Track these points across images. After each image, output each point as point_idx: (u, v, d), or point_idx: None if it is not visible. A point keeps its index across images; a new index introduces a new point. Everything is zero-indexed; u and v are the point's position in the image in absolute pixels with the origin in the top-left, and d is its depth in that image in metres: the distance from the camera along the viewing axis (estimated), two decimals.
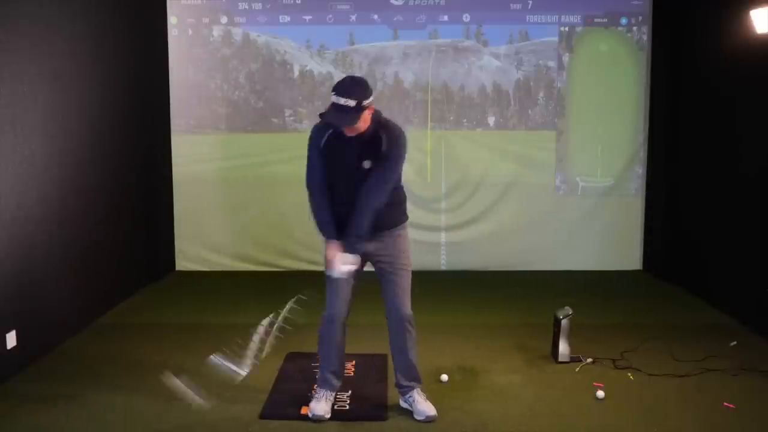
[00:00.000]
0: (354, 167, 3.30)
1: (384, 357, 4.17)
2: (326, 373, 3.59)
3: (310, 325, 5.01)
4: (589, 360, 4.26)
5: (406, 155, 3.39)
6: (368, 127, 3.27)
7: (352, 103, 3.15)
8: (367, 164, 3.29)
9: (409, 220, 3.59)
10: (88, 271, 4.95)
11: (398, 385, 3.62)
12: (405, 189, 3.55)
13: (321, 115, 3.29)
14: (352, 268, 3.35)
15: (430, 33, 6.57)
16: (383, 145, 3.27)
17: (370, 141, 3.28)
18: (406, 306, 3.50)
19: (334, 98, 3.18)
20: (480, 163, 6.68)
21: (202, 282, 6.31)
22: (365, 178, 3.30)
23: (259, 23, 6.53)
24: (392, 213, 3.46)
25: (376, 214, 3.34)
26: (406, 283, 3.50)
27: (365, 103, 3.19)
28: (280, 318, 3.67)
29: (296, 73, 6.61)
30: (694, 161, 5.92)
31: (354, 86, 3.21)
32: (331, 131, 3.32)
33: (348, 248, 3.32)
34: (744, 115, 5.10)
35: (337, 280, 3.41)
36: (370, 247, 3.43)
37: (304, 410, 3.55)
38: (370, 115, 3.26)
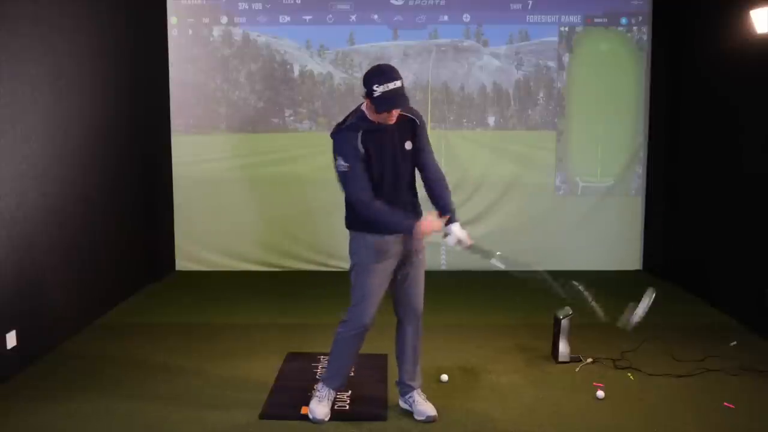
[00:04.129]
0: (399, 152, 3.31)
1: (384, 357, 4.18)
2: (342, 374, 3.57)
3: (310, 325, 5.03)
4: (589, 360, 4.26)
5: None
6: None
7: (400, 82, 3.17)
8: (408, 145, 3.33)
9: None
10: (88, 271, 4.95)
11: (400, 384, 3.62)
12: None
13: (347, 136, 3.24)
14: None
15: (430, 33, 6.57)
16: (417, 123, 3.33)
17: (402, 124, 3.29)
18: (422, 303, 3.54)
19: (383, 88, 3.10)
20: (480, 163, 6.68)
21: (202, 282, 6.31)
22: (409, 159, 3.35)
23: (259, 23, 6.53)
24: (418, 204, 3.49)
25: (413, 206, 3.42)
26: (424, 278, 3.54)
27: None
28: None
29: (296, 73, 6.61)
30: (694, 161, 5.92)
31: (393, 69, 3.21)
32: (361, 132, 3.24)
33: (455, 220, 3.34)
34: (744, 115, 5.10)
35: (373, 282, 3.35)
36: (411, 241, 3.40)
37: (304, 410, 3.55)
38: None
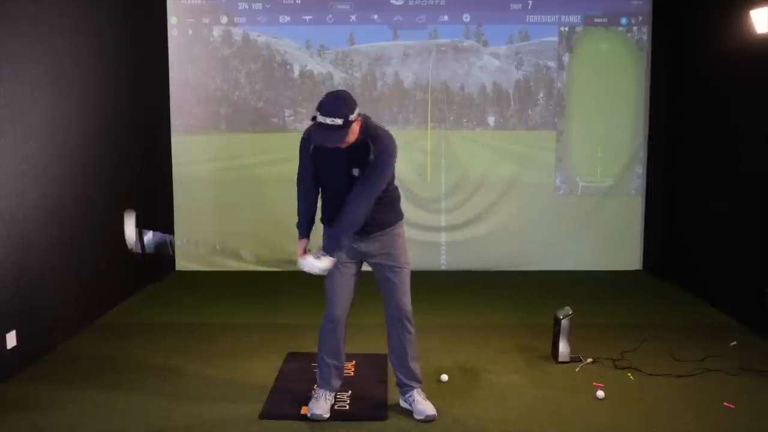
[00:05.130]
0: (344, 175, 3.30)
1: (384, 357, 4.17)
2: (326, 374, 3.60)
3: (310, 325, 5.03)
4: (589, 360, 4.26)
5: (396, 159, 3.35)
6: (357, 136, 3.26)
7: (339, 121, 3.12)
8: (356, 172, 3.28)
9: (410, 220, 3.60)
10: (88, 271, 4.95)
11: (399, 385, 3.62)
12: (405, 189, 3.55)
13: (309, 136, 3.29)
14: (325, 268, 3.29)
15: (430, 33, 6.57)
16: (371, 153, 3.26)
17: (358, 149, 3.25)
18: (406, 304, 3.52)
19: (321, 118, 3.13)
20: (480, 163, 6.69)
21: (202, 282, 6.32)
22: (355, 180, 3.30)
23: (259, 23, 6.54)
24: (388, 212, 3.47)
25: (372, 214, 3.35)
26: (405, 281, 3.52)
27: (351, 118, 3.15)
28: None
29: (296, 73, 6.61)
30: (694, 161, 5.92)
31: (339, 104, 3.16)
32: None
33: (327, 250, 3.30)
34: (743, 115, 5.10)
35: (335, 281, 3.45)
36: (369, 247, 3.45)
37: (304, 410, 3.55)
38: (359, 126, 3.24)
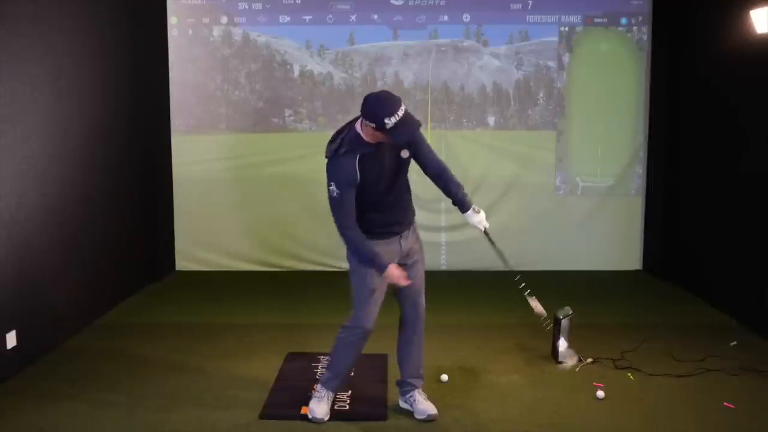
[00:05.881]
0: (395, 164, 3.32)
1: (384, 357, 4.18)
2: (336, 379, 3.58)
3: (310, 325, 5.03)
4: (589, 360, 4.26)
5: None
6: None
7: (404, 106, 3.17)
8: (405, 154, 3.34)
9: None
10: (88, 272, 4.95)
11: (400, 384, 3.62)
12: None
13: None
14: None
15: (430, 33, 6.57)
16: None
17: None
18: (424, 301, 3.57)
19: (394, 119, 3.09)
20: (480, 163, 6.68)
21: (202, 282, 6.31)
22: (405, 164, 3.37)
23: (259, 23, 6.53)
24: (412, 205, 3.55)
25: (407, 207, 3.48)
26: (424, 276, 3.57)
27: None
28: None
29: (296, 73, 6.61)
30: (694, 161, 5.92)
31: (390, 100, 3.16)
32: (358, 156, 3.23)
33: (469, 204, 3.49)
34: (743, 115, 5.10)
35: (374, 294, 3.38)
36: (408, 243, 3.48)
37: (304, 410, 3.56)
38: None
